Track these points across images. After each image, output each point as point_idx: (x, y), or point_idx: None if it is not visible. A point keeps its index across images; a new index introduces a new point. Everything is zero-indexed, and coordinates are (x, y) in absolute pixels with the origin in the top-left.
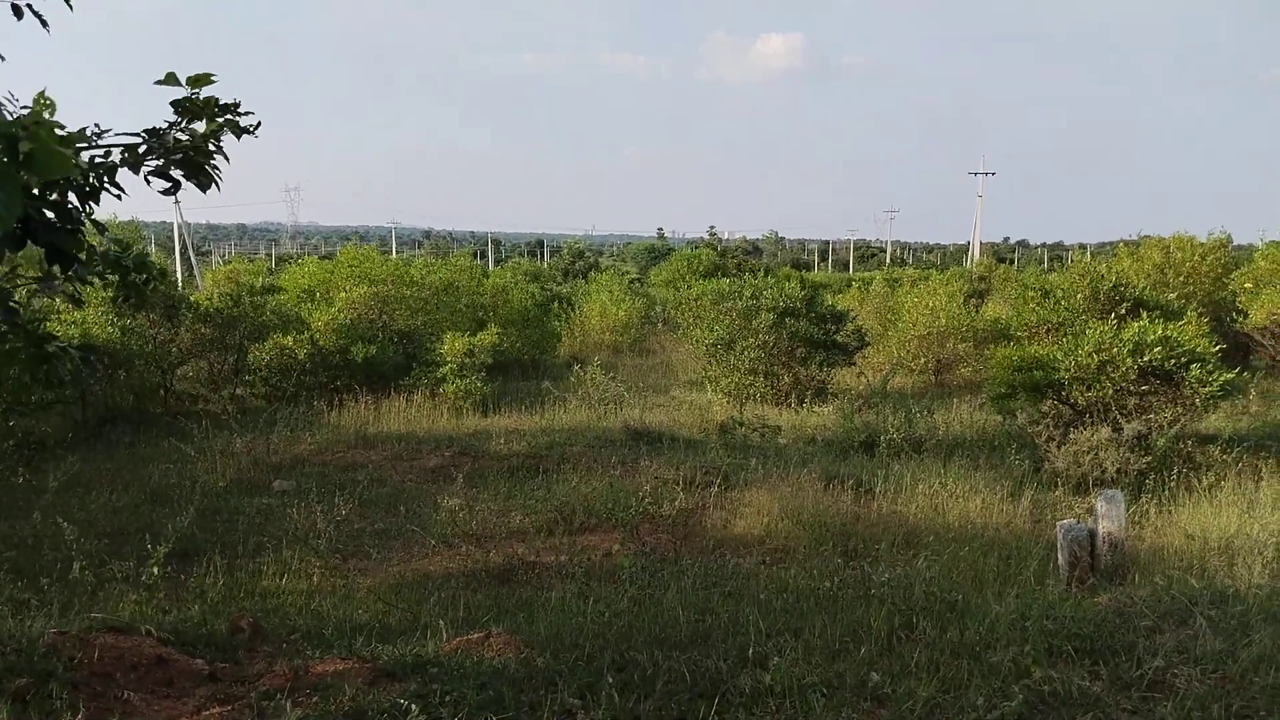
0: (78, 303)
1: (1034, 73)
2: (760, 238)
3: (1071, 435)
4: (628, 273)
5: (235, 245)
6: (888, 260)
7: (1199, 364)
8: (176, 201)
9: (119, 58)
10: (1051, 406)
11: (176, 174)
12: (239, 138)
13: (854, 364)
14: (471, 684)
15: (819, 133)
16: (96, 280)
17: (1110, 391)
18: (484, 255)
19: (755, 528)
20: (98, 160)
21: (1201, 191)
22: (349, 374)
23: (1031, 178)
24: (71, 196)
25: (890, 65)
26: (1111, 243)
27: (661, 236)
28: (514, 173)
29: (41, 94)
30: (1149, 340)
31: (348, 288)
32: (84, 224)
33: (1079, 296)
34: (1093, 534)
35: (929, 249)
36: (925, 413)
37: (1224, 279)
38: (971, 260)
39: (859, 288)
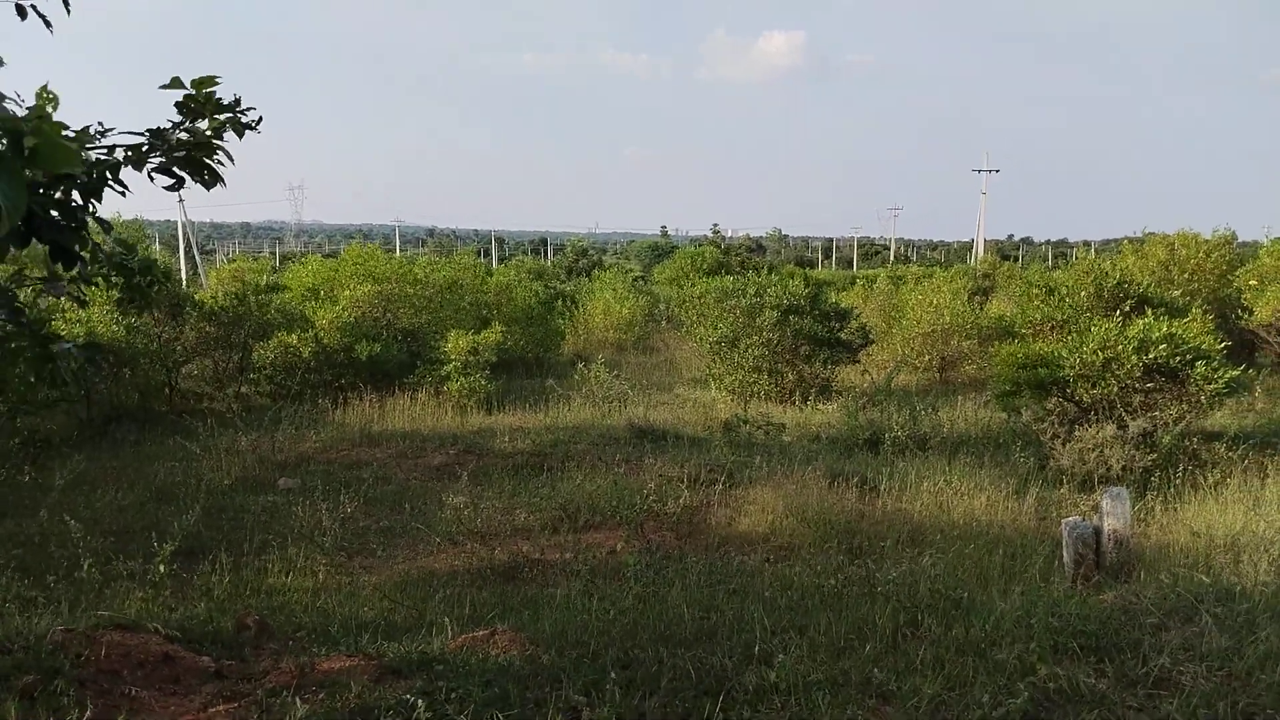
0: (83, 303)
1: (1036, 71)
2: (764, 235)
3: (1076, 432)
4: (631, 270)
5: (239, 244)
6: (892, 258)
7: (1204, 361)
8: (181, 200)
9: (119, 58)
10: (1056, 404)
11: (180, 171)
12: (241, 136)
13: (858, 361)
14: (477, 681)
15: (822, 131)
16: (101, 281)
17: (1115, 389)
18: (487, 253)
19: (760, 525)
20: (101, 158)
21: (1206, 188)
22: (353, 372)
23: (1036, 175)
24: (75, 194)
25: (893, 63)
26: (1116, 240)
27: (665, 234)
28: (517, 171)
29: (45, 88)
30: (1154, 337)
31: (352, 286)
32: (87, 222)
33: (1083, 294)
34: (1098, 531)
35: (933, 246)
36: (930, 410)
37: (1229, 276)
38: (976, 257)
39: (863, 285)
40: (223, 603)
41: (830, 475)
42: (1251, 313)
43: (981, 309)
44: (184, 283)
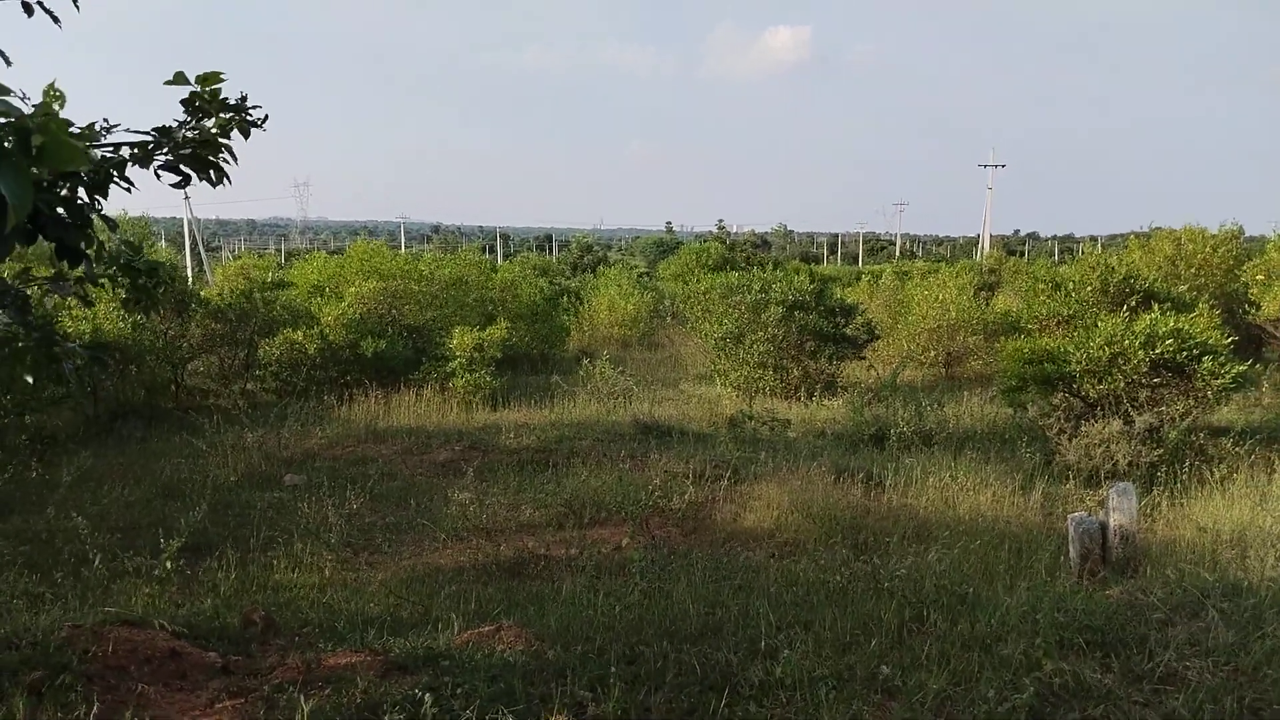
0: (88, 303)
1: (1043, 66)
2: (769, 231)
3: (1083, 428)
4: (636, 267)
5: (245, 240)
6: (897, 253)
7: (1211, 356)
8: (186, 197)
9: (119, 59)
10: (1062, 399)
11: (186, 169)
12: (247, 136)
13: (864, 357)
14: (483, 676)
15: (827, 126)
16: (107, 282)
17: (1122, 384)
18: (492, 250)
19: (765, 521)
20: (107, 156)
21: (1213, 183)
22: (359, 368)
23: (1042, 170)
24: (81, 191)
25: (898, 58)
26: (1123, 235)
27: (670, 230)
28: (521, 168)
29: (51, 86)
30: (1161, 333)
31: (357, 282)
32: (93, 219)
33: (1089, 289)
34: (1104, 527)
35: (939, 241)
36: (935, 406)
37: (1236, 271)
38: (981, 253)
39: (868, 281)
40: (229, 599)
41: (835, 471)
42: (1258, 307)
43: (987, 304)
44: (190, 280)
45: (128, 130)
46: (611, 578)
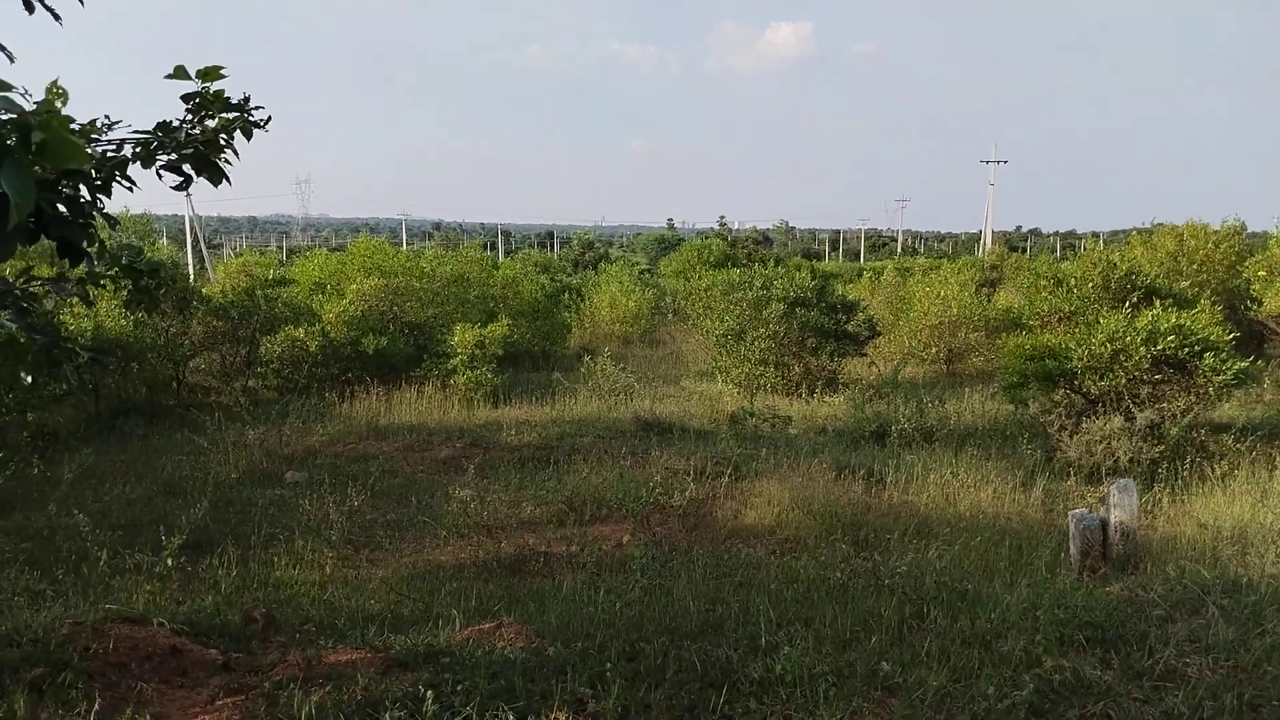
0: (89, 303)
1: (1046, 63)
2: (770, 228)
3: (1084, 424)
4: (637, 263)
5: (246, 238)
6: (899, 249)
7: (1212, 352)
8: (188, 195)
9: (119, 58)
10: (1064, 396)
11: (188, 170)
12: (249, 137)
13: (865, 354)
14: (483, 673)
15: (829, 123)
16: (109, 283)
17: (1123, 380)
18: (494, 247)
19: (766, 518)
20: (109, 155)
21: (1215, 179)
22: (360, 366)
23: (1044, 166)
24: (83, 190)
25: (901, 55)
26: (1125, 231)
27: (671, 227)
28: (523, 165)
29: (54, 83)
30: (1162, 329)
31: (359, 279)
32: (95, 218)
33: (1091, 285)
34: (1105, 523)
35: (940, 238)
36: (937, 402)
37: (1238, 267)
38: (983, 249)
39: (870, 277)
40: (230, 596)
41: (837, 468)
42: (1261, 304)
43: (989, 301)
44: (191, 277)
45: (129, 128)
46: (612, 575)
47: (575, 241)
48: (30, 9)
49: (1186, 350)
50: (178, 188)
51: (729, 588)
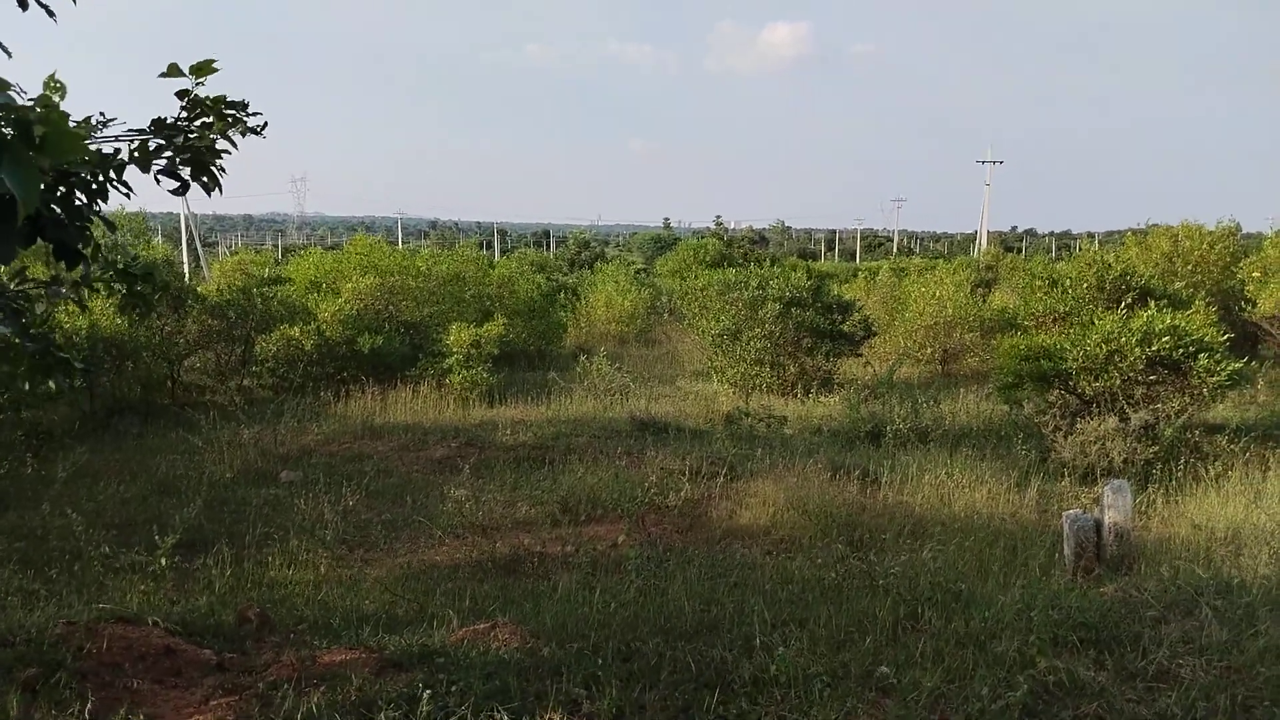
0: (83, 307)
1: (1042, 64)
2: (767, 227)
3: (1078, 425)
4: (634, 263)
5: (242, 236)
6: (895, 249)
7: (1207, 353)
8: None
9: (119, 59)
10: (1058, 396)
11: (184, 172)
12: (244, 136)
13: (860, 354)
14: (478, 674)
15: (826, 122)
16: (102, 288)
17: (1118, 381)
18: (490, 246)
19: (761, 518)
20: (105, 154)
21: (1210, 180)
22: (355, 365)
23: (1040, 166)
24: (80, 194)
25: (897, 55)
26: (1120, 232)
27: (667, 226)
28: (521, 165)
29: (52, 77)
30: (1157, 330)
31: (355, 278)
32: (92, 221)
33: (1086, 286)
34: (1099, 524)
35: (936, 238)
36: (931, 403)
37: (1232, 268)
38: (979, 249)
39: (865, 277)
40: (224, 596)
41: (832, 468)
42: (1255, 305)
43: (984, 301)
44: (186, 275)
45: (124, 125)
46: (607, 575)
47: (571, 241)
48: (24, 6)
49: (1181, 351)
50: (175, 193)
51: (724, 588)
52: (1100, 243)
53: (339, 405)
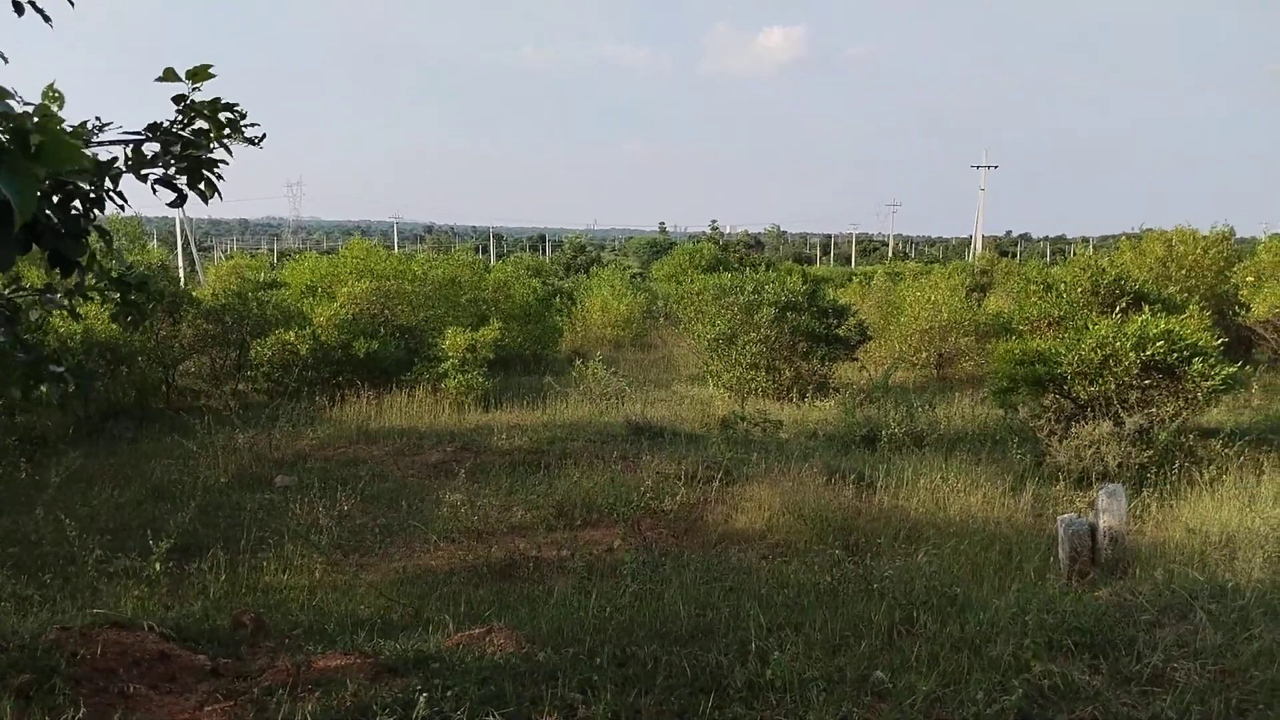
0: (77, 317)
1: (1036, 67)
2: (762, 232)
3: (1073, 429)
4: (629, 267)
5: (237, 240)
6: (890, 254)
7: (1201, 358)
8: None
9: (119, 59)
10: (1053, 400)
11: (180, 182)
12: (244, 144)
13: (856, 358)
14: (473, 679)
15: (821, 126)
16: (97, 296)
17: (1112, 385)
18: (486, 250)
19: (757, 522)
20: (101, 160)
21: (1204, 185)
22: (351, 369)
23: (1035, 171)
24: (76, 202)
25: (892, 58)
26: (1114, 236)
27: (663, 231)
28: (517, 168)
29: (51, 87)
30: (1151, 334)
31: (350, 283)
32: (89, 231)
33: (1080, 290)
34: (1094, 528)
35: (931, 242)
36: (927, 407)
37: (1226, 272)
38: (974, 254)
39: (861, 282)
40: (219, 601)
41: (827, 472)
42: (1249, 309)
43: (979, 305)
44: (182, 280)
45: (119, 129)
46: (603, 579)
47: (567, 245)
48: (19, 10)
49: (1175, 356)
50: (172, 204)
51: (719, 593)
52: (1095, 247)
53: (334, 410)
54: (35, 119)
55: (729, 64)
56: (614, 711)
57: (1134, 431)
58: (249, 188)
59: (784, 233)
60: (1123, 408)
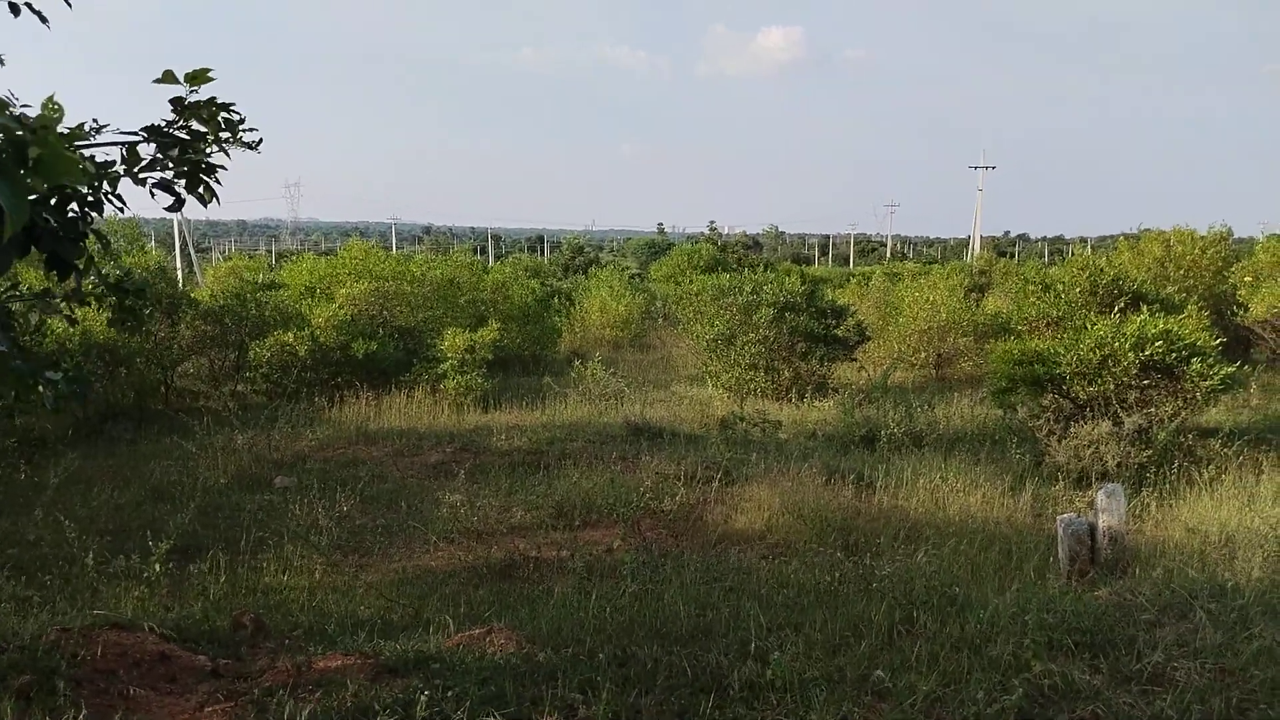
0: (73, 322)
1: (1034, 68)
2: (760, 232)
3: (1072, 429)
4: (628, 268)
5: (235, 241)
6: (888, 254)
7: (1200, 358)
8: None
9: (119, 59)
10: (1052, 400)
11: (179, 186)
12: (234, 145)
13: (854, 359)
14: (474, 679)
15: (819, 127)
16: (95, 302)
17: (1111, 385)
18: (484, 251)
19: (756, 523)
20: (99, 163)
21: (1203, 185)
22: (350, 370)
23: (1033, 171)
24: (74, 205)
25: (890, 59)
26: (1112, 236)
27: (662, 232)
28: (516, 169)
29: (50, 99)
30: (1150, 334)
31: (349, 284)
32: (87, 235)
33: (1078, 290)
34: (1093, 528)
35: (929, 243)
36: (926, 407)
37: (1224, 272)
38: (972, 254)
39: (859, 282)
40: (219, 602)
41: (826, 472)
42: (1247, 309)
43: (978, 306)
44: (180, 281)
45: (116, 131)
46: (603, 580)
47: (566, 246)
48: (16, 11)
49: (1174, 355)
50: (170, 209)
51: (719, 593)
52: (1093, 248)
53: (333, 410)
54: (33, 131)
55: (727, 65)
56: (614, 711)
57: (1133, 431)
58: (247, 189)
59: (782, 233)
60: (1121, 408)
